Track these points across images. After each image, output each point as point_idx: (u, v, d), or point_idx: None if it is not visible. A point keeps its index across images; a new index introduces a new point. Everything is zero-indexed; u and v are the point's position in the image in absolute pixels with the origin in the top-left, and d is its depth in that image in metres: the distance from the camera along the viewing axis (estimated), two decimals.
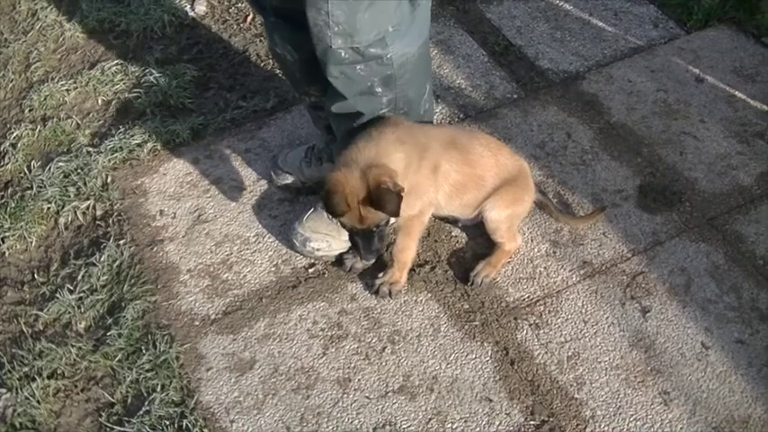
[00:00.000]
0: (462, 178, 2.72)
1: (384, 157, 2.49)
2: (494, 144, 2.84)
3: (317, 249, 2.91)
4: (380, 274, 2.83)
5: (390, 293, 2.82)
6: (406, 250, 2.78)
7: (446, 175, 2.69)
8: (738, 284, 2.84)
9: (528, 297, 2.83)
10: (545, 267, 2.91)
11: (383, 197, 2.42)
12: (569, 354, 2.68)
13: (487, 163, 2.77)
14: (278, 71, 3.62)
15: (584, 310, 2.79)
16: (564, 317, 2.78)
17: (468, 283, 2.84)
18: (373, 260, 2.85)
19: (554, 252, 2.95)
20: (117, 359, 2.71)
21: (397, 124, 2.58)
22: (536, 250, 2.96)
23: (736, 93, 3.50)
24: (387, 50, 2.45)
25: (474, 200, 2.78)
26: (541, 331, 2.74)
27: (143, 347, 2.72)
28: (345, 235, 2.88)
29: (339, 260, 2.92)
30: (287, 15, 2.53)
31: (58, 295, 2.89)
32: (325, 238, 2.89)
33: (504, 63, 3.66)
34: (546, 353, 2.69)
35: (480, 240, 2.95)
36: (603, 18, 3.87)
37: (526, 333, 2.74)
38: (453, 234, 3.00)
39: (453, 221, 2.98)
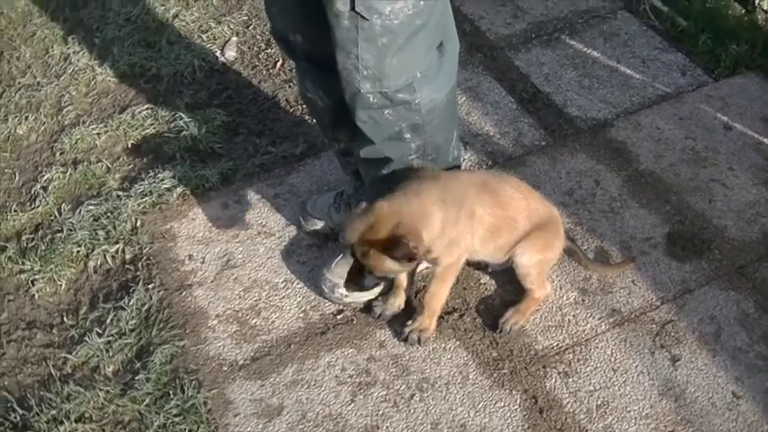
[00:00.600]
0: (496, 221, 2.72)
1: (424, 218, 2.50)
2: (524, 188, 2.85)
3: (346, 296, 2.90)
4: (409, 322, 2.83)
5: (419, 341, 2.81)
6: (438, 297, 2.78)
7: (481, 220, 2.69)
8: None
9: (557, 345, 2.82)
10: (574, 315, 2.90)
11: (398, 245, 2.44)
12: (598, 402, 2.67)
13: (519, 205, 2.78)
14: (307, 117, 3.64)
15: (613, 359, 2.77)
16: (593, 365, 2.76)
17: (497, 331, 2.83)
18: (368, 291, 2.90)
19: (583, 300, 2.94)
20: (145, 404, 2.70)
21: (437, 179, 2.59)
22: (565, 298, 2.95)
23: (765, 140, 3.49)
24: (415, 96, 2.46)
25: (507, 243, 2.78)
26: (570, 380, 2.72)
27: (171, 392, 2.72)
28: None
29: (368, 307, 2.92)
30: (318, 60, 2.56)
31: (86, 338, 2.89)
32: None
33: (533, 110, 3.67)
34: (575, 401, 2.67)
35: (509, 288, 2.95)
36: (631, 65, 3.88)
37: (555, 381, 2.72)
38: (482, 281, 3.00)
39: (483, 267, 2.97)
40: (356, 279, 2.64)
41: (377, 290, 2.91)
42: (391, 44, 2.34)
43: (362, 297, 2.92)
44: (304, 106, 3.68)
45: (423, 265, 2.83)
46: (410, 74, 2.43)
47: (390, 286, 2.91)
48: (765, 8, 4.00)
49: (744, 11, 4.00)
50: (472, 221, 2.67)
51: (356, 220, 2.50)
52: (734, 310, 2.89)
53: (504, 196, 2.76)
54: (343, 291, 2.90)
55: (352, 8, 2.26)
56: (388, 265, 2.49)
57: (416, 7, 2.30)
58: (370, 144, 2.59)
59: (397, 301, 2.88)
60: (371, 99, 2.45)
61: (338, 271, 2.90)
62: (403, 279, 2.85)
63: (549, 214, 2.85)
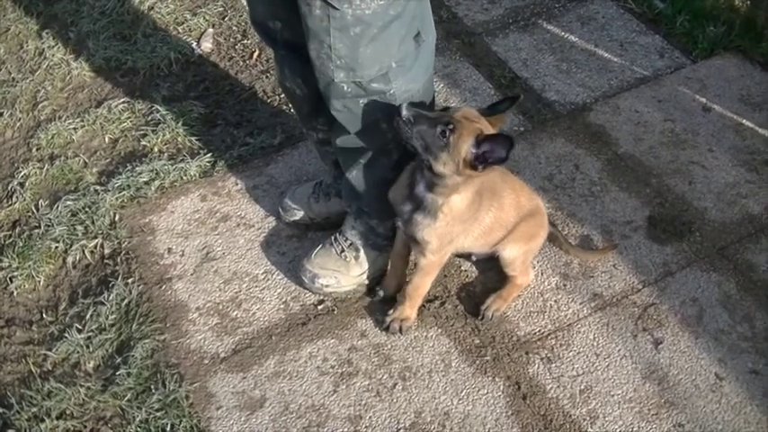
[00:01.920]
0: (492, 222, 2.71)
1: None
2: (517, 185, 2.83)
3: (326, 286, 2.89)
4: (390, 311, 2.82)
5: (401, 329, 2.80)
6: (420, 289, 2.77)
7: (481, 222, 2.68)
8: (751, 314, 2.82)
9: (539, 331, 2.81)
10: (556, 301, 2.89)
11: (506, 141, 2.35)
12: (582, 387, 2.66)
13: (512, 203, 2.76)
14: (285, 107, 3.62)
15: (595, 343, 2.77)
16: (576, 350, 2.76)
17: (479, 318, 2.83)
18: (349, 283, 2.90)
19: (564, 285, 2.93)
20: (126, 399, 2.69)
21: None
22: (546, 284, 2.94)
23: (744, 121, 3.49)
24: (390, 86, 2.45)
25: (496, 239, 2.77)
26: (553, 365, 2.72)
27: (152, 387, 2.71)
28: (354, 270, 2.89)
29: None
30: (296, 48, 2.54)
31: (66, 335, 2.87)
32: (334, 274, 2.88)
33: (511, 96, 3.65)
34: (558, 387, 2.67)
35: (490, 274, 2.94)
36: (609, 49, 3.87)
37: (538, 367, 2.72)
38: (463, 269, 2.99)
39: (467, 256, 2.96)
40: (417, 123, 2.41)
41: (355, 282, 2.90)
42: (364, 34, 2.32)
43: (342, 288, 2.91)
44: (282, 96, 3.66)
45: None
46: (384, 63, 2.41)
47: (380, 276, 2.94)
48: None
49: None
50: (472, 224, 2.66)
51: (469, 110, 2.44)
52: (716, 292, 2.89)
53: (503, 198, 2.74)
54: (323, 281, 2.89)
55: None
56: (462, 148, 2.36)
57: None
58: (345, 133, 2.57)
59: (397, 282, 2.89)
60: (345, 88, 2.43)
61: (318, 261, 2.90)
62: (398, 260, 2.85)
63: (536, 206, 2.85)
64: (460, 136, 2.35)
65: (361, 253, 2.90)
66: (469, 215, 2.59)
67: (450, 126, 2.35)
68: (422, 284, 2.76)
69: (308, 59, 2.45)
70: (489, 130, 2.41)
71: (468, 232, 2.67)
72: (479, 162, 2.36)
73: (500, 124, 2.49)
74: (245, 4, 4.12)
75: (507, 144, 2.32)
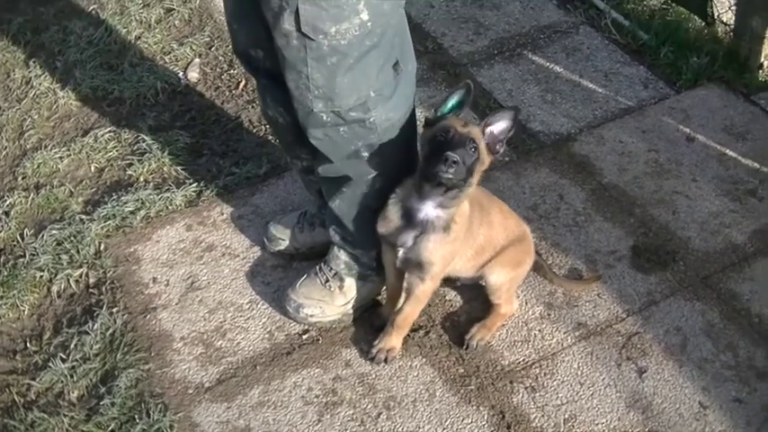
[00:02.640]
0: (484, 242, 2.73)
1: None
2: (505, 208, 2.87)
3: (311, 315, 2.89)
4: (376, 341, 2.82)
5: (386, 360, 2.80)
6: (409, 318, 2.78)
7: (475, 240, 2.70)
8: (734, 343, 2.83)
9: (523, 360, 2.82)
10: (540, 330, 2.90)
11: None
12: (566, 416, 2.67)
13: (500, 223, 2.80)
14: (270, 137, 3.63)
15: (579, 372, 2.77)
16: (560, 379, 2.76)
17: (464, 347, 2.83)
18: (333, 313, 2.90)
19: (549, 314, 2.94)
20: (110, 429, 2.68)
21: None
22: (530, 313, 2.95)
23: (727, 151, 3.51)
24: (369, 114, 2.47)
25: (484, 261, 2.78)
26: (537, 394, 2.72)
27: (137, 416, 2.70)
28: (338, 300, 2.89)
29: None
30: (278, 77, 2.55)
31: (50, 364, 2.86)
32: (319, 304, 2.88)
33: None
34: (543, 416, 2.67)
35: (475, 304, 2.95)
36: (594, 80, 3.90)
37: (522, 396, 2.72)
38: (447, 298, 3.00)
39: (453, 280, 2.96)
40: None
41: (340, 311, 2.91)
42: (341, 64, 2.34)
43: (326, 317, 2.91)
44: (267, 126, 3.68)
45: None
46: (362, 93, 2.43)
47: (366, 306, 2.95)
48: (725, 20, 4.04)
49: (704, 23, 4.03)
50: (467, 240, 2.67)
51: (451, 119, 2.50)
52: (699, 321, 2.90)
53: (492, 216, 2.77)
54: (308, 311, 2.89)
55: (298, 29, 2.27)
56: (482, 146, 2.45)
57: (363, 28, 2.30)
58: (328, 162, 2.59)
59: (389, 312, 2.88)
60: (325, 118, 2.45)
61: (303, 291, 2.90)
62: (395, 289, 2.86)
63: (523, 233, 2.87)
64: (479, 140, 2.45)
65: (346, 282, 2.90)
66: (469, 224, 2.62)
67: (473, 140, 2.43)
68: (412, 314, 2.77)
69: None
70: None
71: (464, 250, 2.69)
72: (495, 144, 2.49)
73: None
74: None
75: (511, 114, 2.49)
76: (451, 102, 2.54)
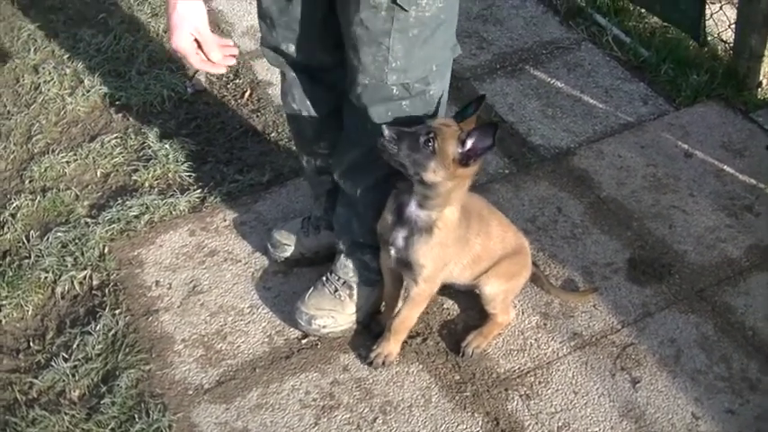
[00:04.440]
0: (481, 251, 2.77)
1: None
2: (504, 221, 2.91)
3: (323, 326, 2.92)
4: (375, 346, 2.86)
5: (384, 364, 2.84)
6: (407, 322, 2.81)
7: (471, 248, 2.73)
8: (728, 355, 2.87)
9: (519, 368, 2.85)
10: (536, 339, 2.94)
11: (488, 130, 2.44)
12: (560, 425, 2.70)
13: (499, 234, 2.83)
14: (274, 146, 3.68)
15: (574, 382, 2.81)
16: (554, 388, 2.79)
17: (460, 354, 2.87)
18: (344, 323, 2.93)
19: (545, 324, 2.98)
20: (110, 427, 2.72)
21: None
22: (527, 322, 2.99)
23: (725, 167, 3.55)
24: (429, 87, 2.54)
25: (481, 271, 2.81)
26: (532, 402, 2.76)
27: (136, 416, 2.74)
28: (349, 308, 2.93)
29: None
30: (309, 71, 2.60)
31: (52, 363, 2.90)
32: (330, 314, 2.91)
33: (497, 139, 3.71)
34: (536, 424, 2.70)
35: (471, 312, 2.99)
36: (594, 95, 3.95)
37: (517, 404, 2.75)
38: (445, 306, 3.03)
39: (447, 286, 2.98)
40: (400, 141, 2.46)
41: (351, 319, 2.95)
42: (420, 36, 2.41)
43: (338, 327, 2.94)
44: (271, 135, 3.73)
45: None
46: (428, 66, 2.50)
47: (372, 310, 2.99)
48: (724, 38, 4.08)
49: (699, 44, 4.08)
50: (463, 248, 2.71)
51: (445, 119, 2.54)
52: (693, 333, 2.94)
53: (491, 227, 2.81)
54: (320, 322, 2.91)
55: (393, 0, 2.33)
56: (449, 149, 2.44)
57: (444, 1, 2.39)
58: (358, 149, 2.65)
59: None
60: (394, 91, 2.50)
61: (313, 303, 2.92)
62: (391, 297, 2.88)
63: (520, 245, 2.90)
64: (444, 140, 2.43)
65: (355, 290, 2.93)
66: (461, 233, 2.64)
67: (432, 134, 2.43)
68: (409, 317, 2.80)
69: (319, 82, 2.60)
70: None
71: (460, 258, 2.72)
72: (469, 157, 2.45)
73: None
74: (237, 42, 4.19)
75: (491, 130, 2.43)
76: (466, 110, 2.59)
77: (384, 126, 2.43)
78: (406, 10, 2.34)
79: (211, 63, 2.44)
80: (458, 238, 2.65)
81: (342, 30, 2.49)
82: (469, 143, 2.44)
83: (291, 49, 2.67)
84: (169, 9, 2.35)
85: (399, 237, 2.63)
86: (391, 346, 2.84)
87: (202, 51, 2.41)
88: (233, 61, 2.49)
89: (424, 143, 2.43)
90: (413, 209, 2.57)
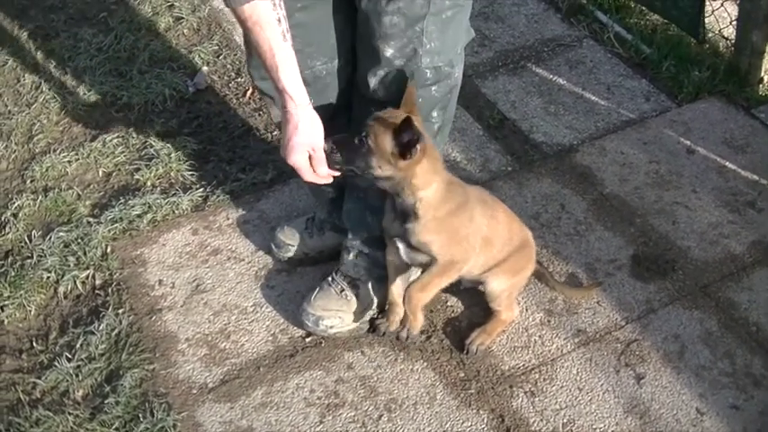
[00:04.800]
0: (489, 233, 2.75)
1: (434, 160, 2.56)
2: (509, 212, 2.91)
3: (331, 327, 2.91)
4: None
5: (408, 337, 2.87)
6: (429, 287, 2.72)
7: (479, 228, 2.71)
8: (732, 351, 2.86)
9: (523, 365, 2.85)
10: (540, 336, 2.93)
11: (408, 127, 2.41)
12: (565, 421, 2.70)
13: (505, 221, 2.84)
14: (276, 145, 3.67)
15: (578, 378, 2.80)
16: (559, 384, 2.79)
17: (464, 352, 2.86)
18: (352, 322, 2.93)
19: (549, 321, 2.97)
20: (114, 427, 2.71)
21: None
22: (531, 319, 2.98)
23: (727, 163, 3.55)
24: (454, 69, 2.60)
25: (493, 258, 2.79)
26: (537, 399, 2.75)
27: (140, 415, 2.73)
28: (356, 308, 2.92)
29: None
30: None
31: (56, 363, 2.90)
32: (337, 314, 2.90)
33: (499, 136, 3.72)
34: (541, 420, 2.70)
35: (475, 310, 2.98)
36: (596, 92, 3.94)
37: (522, 401, 2.75)
38: (449, 304, 3.03)
39: (455, 283, 2.96)
40: (340, 148, 2.53)
41: (359, 318, 2.94)
42: (453, 17, 2.48)
43: (346, 326, 2.93)
44: (274, 134, 3.72)
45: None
46: (455, 48, 2.56)
47: (380, 308, 2.97)
48: (726, 35, 4.08)
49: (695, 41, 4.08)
50: (472, 225, 2.69)
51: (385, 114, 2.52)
52: (697, 329, 2.93)
53: (497, 211, 2.81)
54: (327, 323, 2.90)
55: None
56: (385, 145, 2.45)
57: None
58: None
59: (398, 317, 2.89)
60: (428, 74, 2.54)
61: (319, 303, 2.91)
62: (397, 295, 2.85)
63: (526, 238, 2.91)
64: (376, 135, 2.45)
65: (361, 290, 2.93)
66: (452, 206, 2.62)
67: (363, 132, 2.46)
68: (430, 284, 2.71)
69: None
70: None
71: (470, 230, 2.68)
72: (408, 148, 2.44)
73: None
74: (239, 42, 4.19)
75: (408, 123, 2.40)
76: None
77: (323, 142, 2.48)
78: None
79: (317, 176, 2.51)
80: (453, 211, 2.62)
81: (359, 28, 2.51)
82: (406, 136, 2.44)
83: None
84: (289, 128, 2.39)
85: (400, 227, 2.63)
86: (412, 321, 2.83)
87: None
88: (337, 174, 2.54)
89: (358, 143, 2.47)
90: (399, 202, 2.59)
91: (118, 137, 3.76)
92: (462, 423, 2.70)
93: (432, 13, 2.42)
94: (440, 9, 2.43)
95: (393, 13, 2.42)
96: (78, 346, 2.94)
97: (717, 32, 4.12)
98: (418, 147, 2.43)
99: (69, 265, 3.20)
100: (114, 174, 3.61)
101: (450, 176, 2.65)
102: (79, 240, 3.29)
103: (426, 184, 2.54)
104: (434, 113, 2.65)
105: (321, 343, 2.93)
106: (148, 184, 3.54)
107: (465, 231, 2.67)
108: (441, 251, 2.64)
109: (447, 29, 2.48)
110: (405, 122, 2.40)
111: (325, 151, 2.47)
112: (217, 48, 4.30)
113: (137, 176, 3.57)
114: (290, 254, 3.16)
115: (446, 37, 2.49)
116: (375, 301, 2.95)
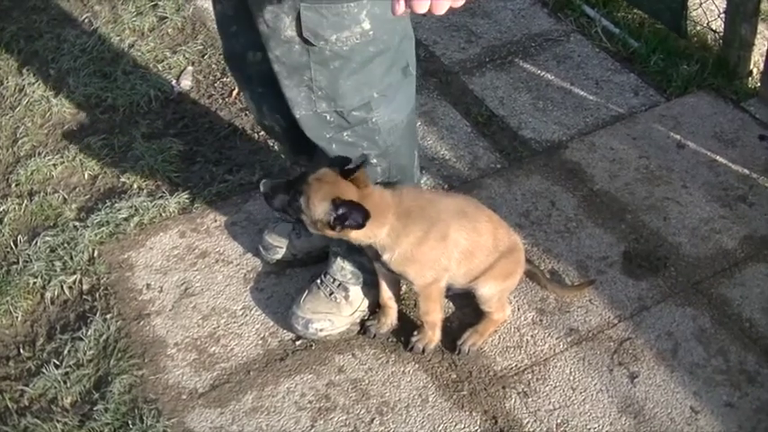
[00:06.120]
0: (470, 246, 2.73)
1: (377, 213, 2.51)
2: (495, 218, 2.87)
3: (321, 330, 2.89)
4: (416, 332, 2.86)
5: (423, 350, 2.84)
6: (432, 312, 2.79)
7: (456, 243, 2.69)
8: (725, 347, 2.85)
9: (516, 365, 2.83)
10: (532, 335, 2.91)
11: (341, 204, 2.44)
12: (558, 421, 2.68)
13: (489, 231, 2.79)
14: (264, 145, 3.65)
15: (572, 378, 2.79)
16: (552, 384, 2.77)
17: (456, 352, 2.84)
18: (341, 325, 2.91)
19: (541, 320, 2.96)
20: None
21: (416, 196, 2.70)
22: (523, 319, 2.96)
23: (717, 157, 3.53)
24: (371, 114, 2.49)
25: (477, 269, 2.78)
26: (530, 399, 2.74)
27: (130, 422, 2.71)
28: (345, 310, 2.89)
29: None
30: (275, 83, 2.57)
31: (43, 370, 2.87)
32: (327, 317, 2.88)
33: (488, 133, 3.70)
34: (535, 421, 2.68)
35: (467, 311, 2.96)
36: (585, 87, 3.92)
37: (515, 401, 2.73)
38: None
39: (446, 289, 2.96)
40: (275, 193, 2.58)
41: (349, 321, 2.91)
42: (344, 67, 2.36)
43: (336, 329, 2.91)
44: (261, 134, 3.69)
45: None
46: (366, 94, 2.45)
47: (376, 305, 2.94)
48: (714, 28, 4.06)
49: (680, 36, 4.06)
50: (446, 244, 2.67)
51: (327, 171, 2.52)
52: (690, 326, 2.92)
53: (479, 222, 2.78)
54: (317, 326, 2.88)
55: (299, 34, 2.29)
56: (317, 212, 2.47)
57: (365, 36, 2.32)
58: None
59: (389, 320, 2.89)
60: (328, 118, 2.47)
61: (309, 306, 2.89)
62: (387, 297, 2.85)
63: (514, 243, 2.87)
64: (309, 198, 2.47)
65: (351, 292, 2.90)
66: (419, 234, 2.61)
67: (300, 190, 2.48)
68: (429, 309, 2.78)
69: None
70: (346, 191, 2.48)
71: (444, 252, 2.68)
72: (338, 223, 2.45)
73: (364, 181, 2.54)
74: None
75: (362, 213, 2.42)
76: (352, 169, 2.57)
77: (261, 182, 2.53)
78: (313, 45, 2.32)
79: None
80: (419, 238, 2.61)
81: None
82: (342, 210, 2.43)
83: (259, 57, 2.61)
84: None
85: (374, 255, 2.67)
86: (429, 334, 2.83)
87: None
88: None
89: (292, 198, 2.51)
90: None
91: (103, 139, 3.73)
92: (455, 425, 2.68)
93: (315, 62, 2.35)
94: (323, 59, 2.34)
95: (275, 62, 2.40)
96: (66, 352, 2.91)
97: (705, 26, 4.11)
98: (347, 224, 2.45)
99: (56, 270, 3.17)
100: (100, 176, 3.58)
101: (408, 204, 2.61)
102: (66, 245, 3.26)
103: (370, 236, 2.56)
104: (372, 160, 2.60)
105: (311, 346, 2.91)
106: (135, 186, 3.51)
107: (436, 254, 2.67)
108: (416, 277, 2.68)
109: (339, 78, 2.38)
110: (360, 208, 2.43)
111: (262, 193, 2.53)
112: (201, 47, 4.26)
113: (123, 179, 3.54)
114: (279, 256, 3.13)
115: (341, 86, 2.40)
116: (365, 302, 2.93)
